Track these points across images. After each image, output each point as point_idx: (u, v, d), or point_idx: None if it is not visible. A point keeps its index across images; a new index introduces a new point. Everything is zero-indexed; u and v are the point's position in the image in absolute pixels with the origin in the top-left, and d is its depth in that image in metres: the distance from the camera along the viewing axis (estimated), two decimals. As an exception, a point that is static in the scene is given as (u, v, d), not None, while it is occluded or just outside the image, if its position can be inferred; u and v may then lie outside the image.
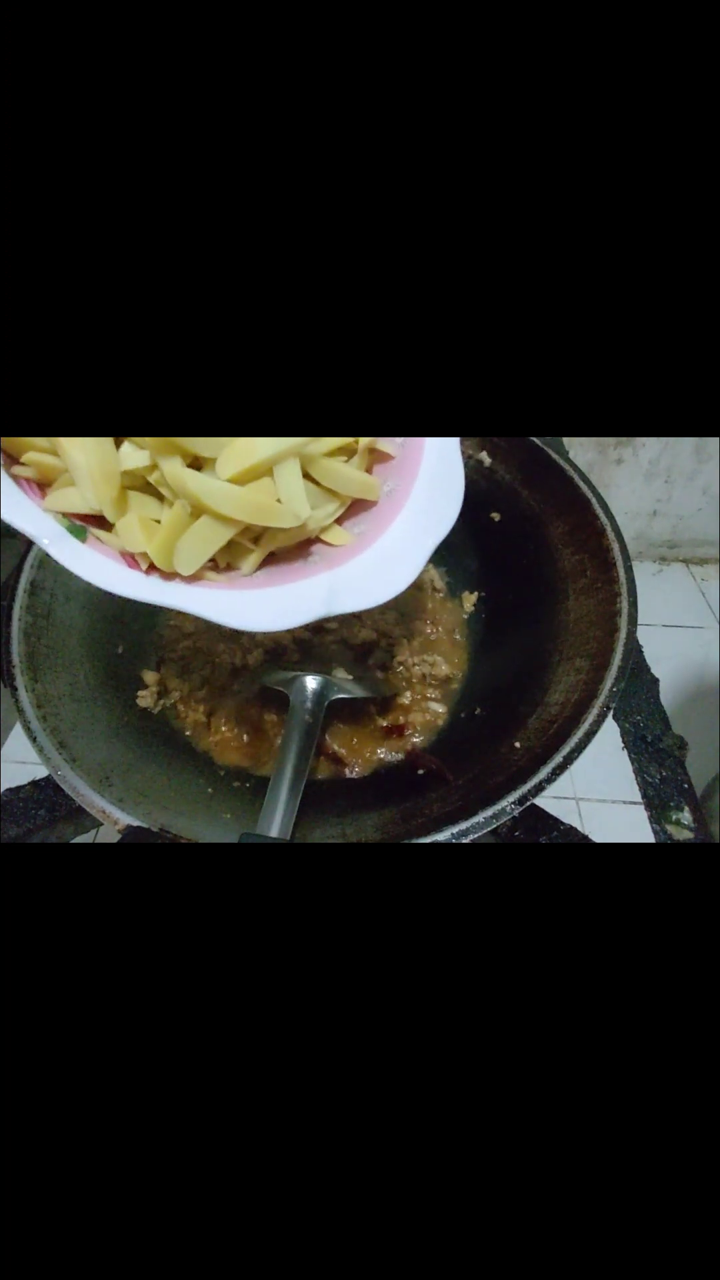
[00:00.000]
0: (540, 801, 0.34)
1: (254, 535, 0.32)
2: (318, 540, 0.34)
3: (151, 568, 0.30)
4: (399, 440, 0.35)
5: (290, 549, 0.33)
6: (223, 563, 0.32)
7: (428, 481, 0.33)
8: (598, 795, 0.72)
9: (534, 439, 0.50)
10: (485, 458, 0.53)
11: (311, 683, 0.41)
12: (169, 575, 0.30)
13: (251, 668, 0.47)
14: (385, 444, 0.34)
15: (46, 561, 0.44)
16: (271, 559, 0.33)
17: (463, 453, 0.53)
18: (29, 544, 0.44)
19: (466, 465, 0.53)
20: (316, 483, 0.32)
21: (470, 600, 0.53)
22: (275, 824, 0.35)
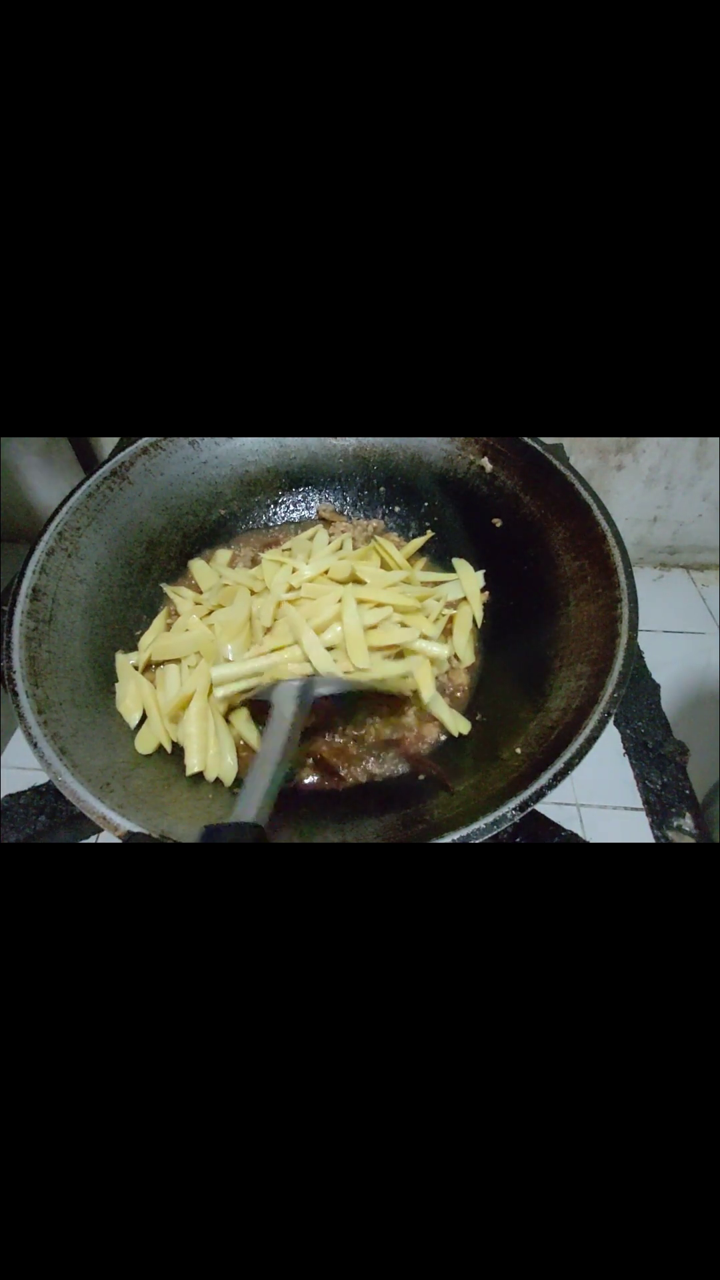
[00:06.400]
0: (541, 808, 0.34)
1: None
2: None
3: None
4: None
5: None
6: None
7: None
8: (599, 801, 0.71)
9: (535, 446, 0.50)
10: (486, 464, 0.53)
11: (294, 683, 0.42)
12: None
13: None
14: None
15: (48, 567, 0.44)
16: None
17: (464, 458, 0.54)
18: (31, 549, 0.44)
19: (468, 471, 0.54)
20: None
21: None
22: (253, 807, 0.33)
